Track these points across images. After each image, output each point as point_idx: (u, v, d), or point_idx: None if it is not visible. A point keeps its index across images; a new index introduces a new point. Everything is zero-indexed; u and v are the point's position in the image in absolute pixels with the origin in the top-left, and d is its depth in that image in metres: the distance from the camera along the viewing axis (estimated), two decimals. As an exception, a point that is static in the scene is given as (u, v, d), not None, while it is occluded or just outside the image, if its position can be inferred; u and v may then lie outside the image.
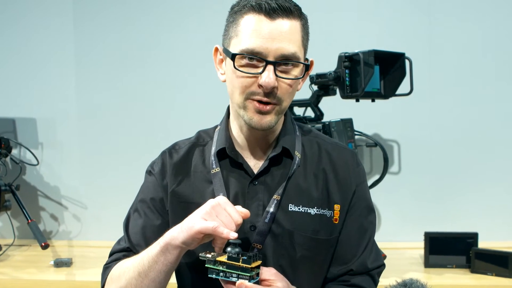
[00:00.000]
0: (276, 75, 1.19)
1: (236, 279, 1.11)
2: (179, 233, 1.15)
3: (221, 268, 1.12)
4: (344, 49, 2.19)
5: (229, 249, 1.12)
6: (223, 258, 1.12)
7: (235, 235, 1.11)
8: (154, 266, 1.19)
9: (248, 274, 1.10)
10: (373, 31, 2.75)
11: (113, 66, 2.95)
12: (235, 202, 1.28)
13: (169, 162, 1.40)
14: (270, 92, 1.20)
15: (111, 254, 1.40)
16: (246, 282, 1.10)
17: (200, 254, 1.15)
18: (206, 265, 1.13)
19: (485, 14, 2.70)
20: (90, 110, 2.97)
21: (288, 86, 1.23)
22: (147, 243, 1.28)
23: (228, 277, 1.11)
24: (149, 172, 1.43)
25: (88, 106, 2.97)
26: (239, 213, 1.16)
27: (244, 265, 1.10)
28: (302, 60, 1.24)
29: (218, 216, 1.14)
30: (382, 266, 1.40)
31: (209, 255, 1.14)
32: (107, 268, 1.35)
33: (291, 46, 1.19)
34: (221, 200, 1.17)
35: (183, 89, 2.90)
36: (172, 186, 1.37)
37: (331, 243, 1.33)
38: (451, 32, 2.72)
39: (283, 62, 1.20)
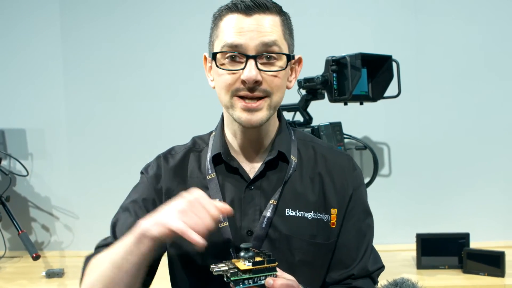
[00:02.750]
0: (259, 69, 1.20)
1: (264, 280, 1.09)
2: (152, 225, 1.09)
3: (247, 276, 1.08)
4: (331, 53, 2.19)
5: (242, 253, 1.09)
6: (245, 266, 1.08)
7: (202, 243, 1.05)
8: (128, 257, 1.13)
9: (276, 272, 1.10)
10: (359, 34, 2.76)
11: (102, 76, 2.94)
12: (231, 207, 1.25)
13: (165, 166, 1.39)
14: (254, 87, 1.20)
15: (95, 249, 1.37)
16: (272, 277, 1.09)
17: (214, 270, 1.09)
18: (231, 279, 1.07)
19: (472, 16, 2.72)
20: (80, 120, 2.96)
21: (273, 77, 1.22)
22: None
23: (257, 282, 1.09)
24: (143, 174, 1.42)
25: (77, 116, 2.96)
26: (217, 207, 1.11)
27: (271, 265, 1.09)
28: (284, 51, 1.25)
29: (194, 211, 1.09)
30: (382, 267, 1.41)
31: (225, 267, 1.09)
32: (87, 260, 1.31)
33: (271, 35, 1.21)
34: (198, 193, 1.12)
35: (174, 98, 2.91)
36: (168, 191, 1.35)
37: (329, 248, 1.33)
38: (438, 34, 2.74)
39: (264, 54, 1.21)
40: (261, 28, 1.20)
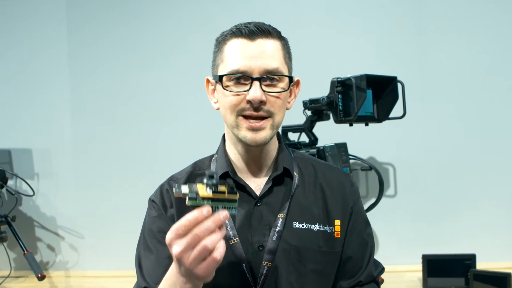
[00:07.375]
0: (263, 90, 1.26)
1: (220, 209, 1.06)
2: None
3: (205, 203, 1.05)
4: (337, 74, 2.21)
5: (205, 180, 1.07)
6: (206, 193, 1.06)
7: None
8: None
9: (235, 205, 1.08)
10: (365, 55, 2.77)
11: (108, 97, 2.97)
12: (241, 224, 1.31)
13: (171, 193, 1.39)
14: (258, 107, 1.26)
15: None
16: (234, 211, 1.08)
17: (175, 191, 1.06)
18: (189, 203, 1.05)
19: (476, 37, 2.74)
20: (86, 141, 2.98)
21: (276, 99, 1.29)
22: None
23: (214, 210, 1.05)
24: (151, 207, 1.42)
25: (83, 136, 2.98)
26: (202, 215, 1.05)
27: (231, 196, 1.08)
28: (286, 74, 1.31)
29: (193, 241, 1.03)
30: (383, 269, 1.50)
31: (186, 190, 1.05)
32: None
33: (274, 62, 1.28)
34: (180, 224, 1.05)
35: (176, 120, 2.93)
36: (178, 217, 1.34)
37: (335, 257, 1.39)
38: (442, 55, 2.76)
39: (267, 77, 1.26)
40: (264, 54, 1.27)
